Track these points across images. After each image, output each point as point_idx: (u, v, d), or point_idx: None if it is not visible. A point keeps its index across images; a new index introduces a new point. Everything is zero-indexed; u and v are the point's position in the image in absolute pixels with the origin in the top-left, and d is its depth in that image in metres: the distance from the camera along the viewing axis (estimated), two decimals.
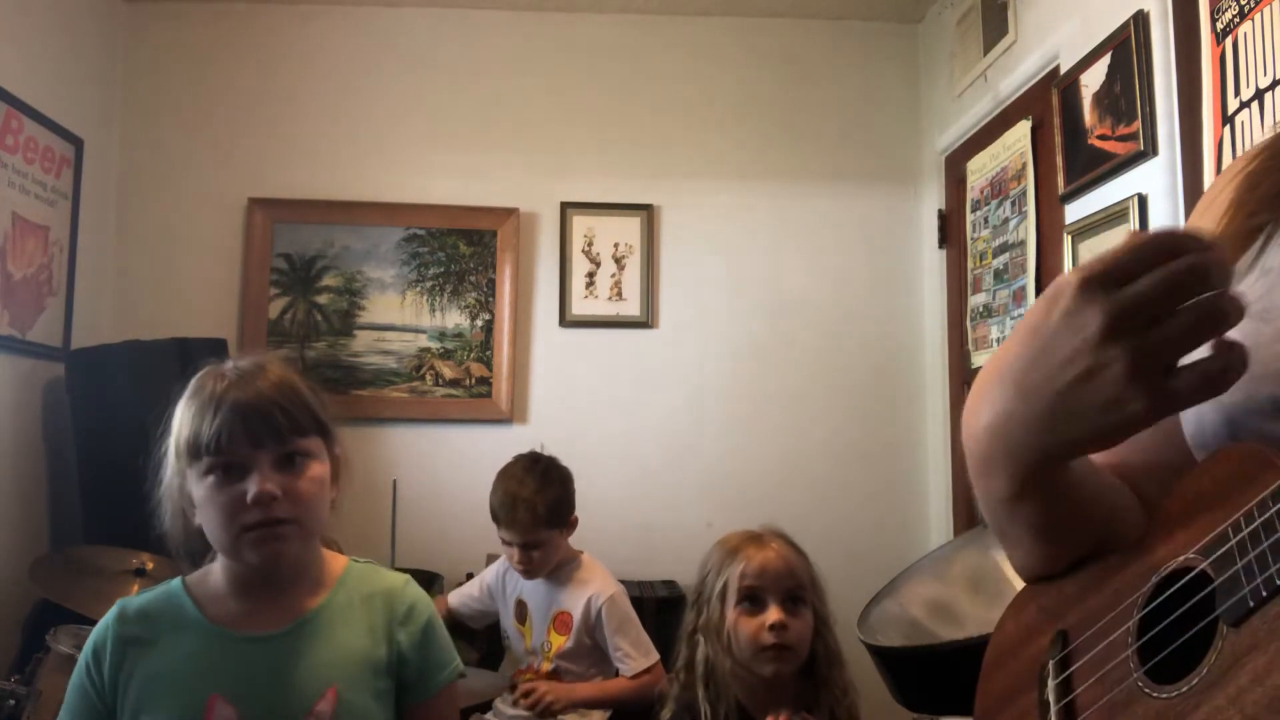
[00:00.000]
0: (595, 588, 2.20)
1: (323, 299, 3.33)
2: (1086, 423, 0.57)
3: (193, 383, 1.17)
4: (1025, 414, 0.61)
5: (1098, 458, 0.73)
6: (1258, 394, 0.57)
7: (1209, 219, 0.68)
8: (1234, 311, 0.52)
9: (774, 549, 1.55)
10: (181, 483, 1.13)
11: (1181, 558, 0.59)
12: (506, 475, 2.23)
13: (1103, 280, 0.54)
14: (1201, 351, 0.54)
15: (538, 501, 2.15)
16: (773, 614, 1.50)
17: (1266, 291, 0.59)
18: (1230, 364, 0.53)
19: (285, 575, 1.17)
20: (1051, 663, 0.69)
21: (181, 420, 1.13)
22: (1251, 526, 0.52)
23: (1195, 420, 0.63)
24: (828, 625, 1.57)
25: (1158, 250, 0.53)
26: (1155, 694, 0.58)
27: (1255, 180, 0.65)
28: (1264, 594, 0.50)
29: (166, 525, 1.17)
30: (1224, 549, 0.54)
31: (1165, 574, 0.60)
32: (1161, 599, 0.60)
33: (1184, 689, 0.55)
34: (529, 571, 2.21)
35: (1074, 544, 0.71)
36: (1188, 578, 0.58)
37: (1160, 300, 0.53)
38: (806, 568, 1.57)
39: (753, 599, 1.52)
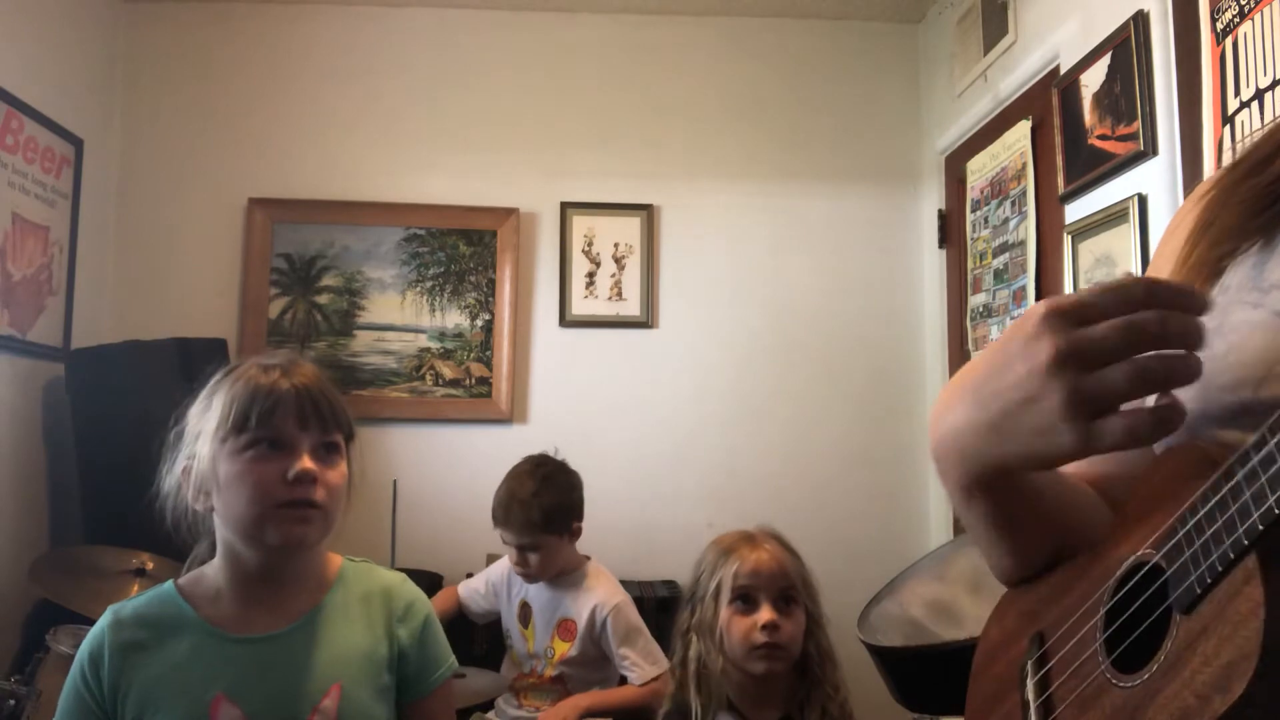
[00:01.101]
0: (601, 596, 2.18)
1: (323, 299, 3.33)
2: (1020, 444, 0.61)
3: (229, 372, 1.18)
4: (976, 423, 0.65)
5: (1075, 469, 0.76)
6: (1213, 404, 0.60)
7: (1172, 247, 0.71)
8: (1186, 372, 0.55)
9: (767, 549, 1.56)
10: (211, 461, 1.13)
11: (1139, 552, 0.62)
12: (511, 475, 2.22)
13: (1066, 314, 0.57)
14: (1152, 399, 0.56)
15: (533, 504, 2.13)
16: (765, 613, 1.51)
17: (1221, 309, 0.63)
18: (1162, 422, 0.55)
19: (287, 573, 1.17)
20: (1029, 663, 0.72)
21: (223, 399, 1.14)
22: (1195, 518, 0.56)
23: None
24: (819, 624, 1.58)
25: (1128, 299, 0.56)
26: (1121, 684, 0.61)
27: (1213, 213, 0.68)
28: (1209, 580, 0.54)
29: (184, 508, 1.18)
30: (1173, 541, 0.58)
31: (1125, 569, 0.63)
32: (1124, 593, 0.63)
33: (1145, 677, 0.58)
34: (528, 575, 2.20)
35: (1033, 546, 0.75)
36: (1144, 571, 0.61)
37: (1114, 347, 0.55)
38: (799, 568, 1.58)
39: (745, 598, 1.53)
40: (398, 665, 1.20)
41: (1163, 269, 0.72)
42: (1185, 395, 0.61)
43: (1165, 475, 0.62)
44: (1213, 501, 0.54)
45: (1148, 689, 0.57)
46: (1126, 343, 0.55)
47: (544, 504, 2.14)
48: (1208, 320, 0.62)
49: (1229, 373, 0.59)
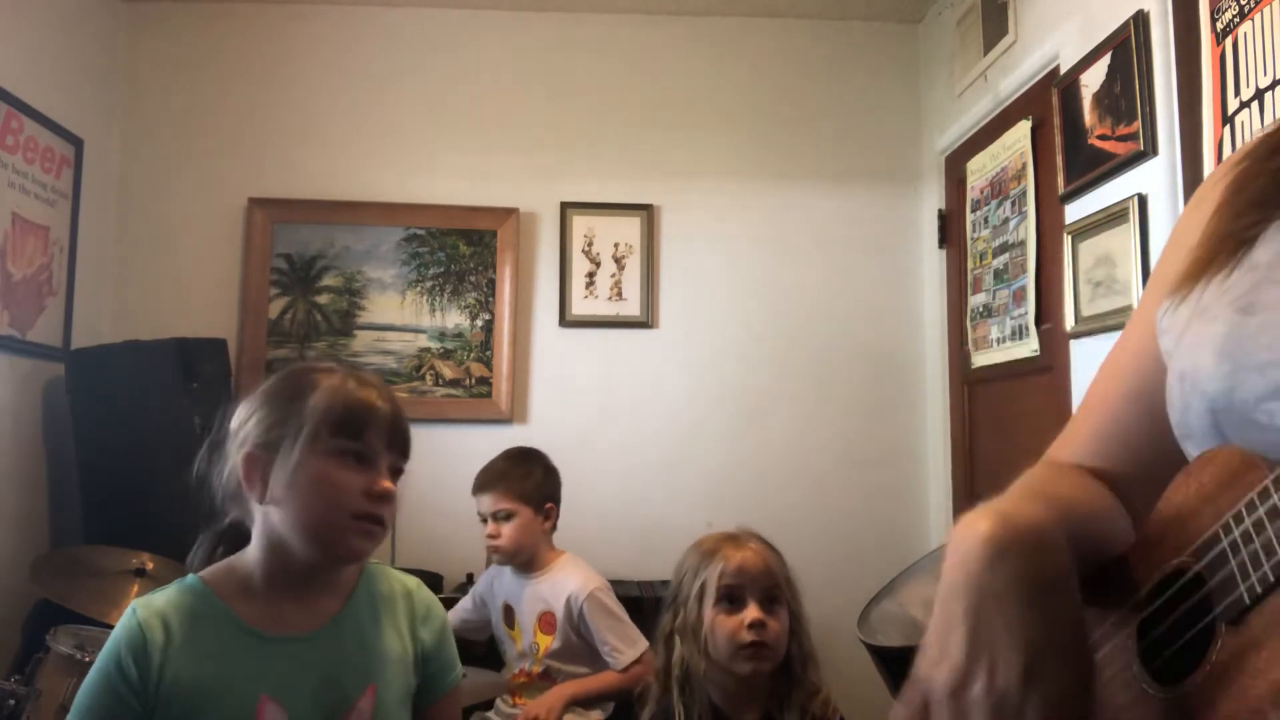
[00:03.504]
0: (575, 585, 2.20)
1: (323, 299, 3.33)
2: None
3: (301, 376, 1.19)
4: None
5: (1094, 463, 0.74)
6: (1241, 385, 0.58)
7: (1198, 218, 0.69)
8: None
9: (751, 548, 1.56)
10: (292, 458, 1.12)
11: (1175, 560, 0.60)
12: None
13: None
14: None
15: (512, 472, 2.25)
16: (751, 612, 1.50)
17: (1251, 287, 0.61)
18: None
19: (328, 576, 1.18)
20: None
21: (320, 401, 1.15)
22: (1241, 527, 0.53)
23: (1180, 410, 0.64)
24: (802, 625, 1.57)
25: None
26: (1158, 694, 0.58)
27: (1241, 184, 0.66)
28: (1259, 591, 0.51)
29: (230, 497, 1.17)
30: (1216, 550, 0.55)
31: (1161, 577, 0.61)
32: (1160, 602, 0.60)
33: (1187, 688, 0.56)
34: (500, 550, 2.23)
35: None
36: (1183, 580, 0.59)
37: None
38: (782, 568, 1.58)
39: (731, 598, 1.52)
40: (422, 667, 1.22)
41: (1185, 241, 0.69)
42: (1215, 374, 0.59)
43: (1203, 481, 0.60)
44: (1261, 509, 0.51)
45: (1190, 700, 0.55)
46: None
47: (522, 472, 2.26)
48: (1238, 299, 0.61)
49: (1261, 353, 0.57)
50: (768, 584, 1.53)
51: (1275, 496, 0.50)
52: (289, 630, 1.14)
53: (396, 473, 1.20)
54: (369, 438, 1.15)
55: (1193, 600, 0.57)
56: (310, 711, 1.11)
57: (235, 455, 1.16)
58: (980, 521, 0.61)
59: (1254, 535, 0.52)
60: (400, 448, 1.20)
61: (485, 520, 2.25)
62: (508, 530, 2.21)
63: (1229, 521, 0.54)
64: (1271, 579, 0.50)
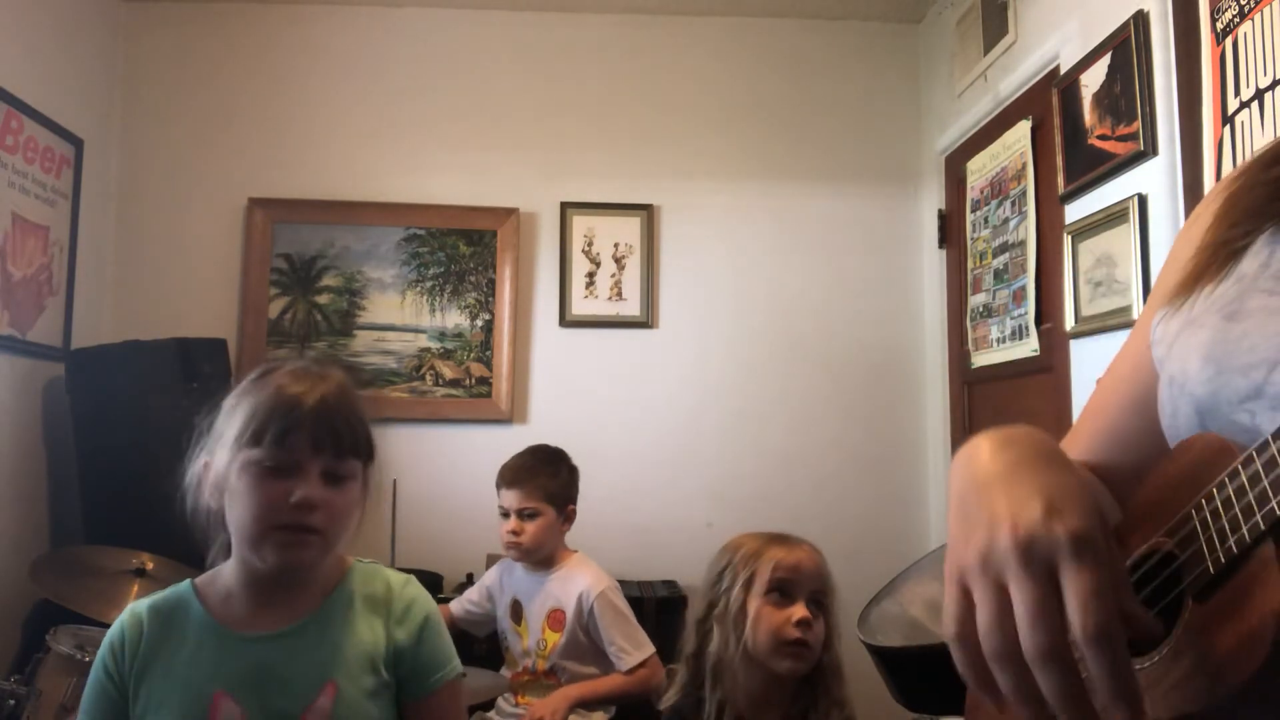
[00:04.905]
0: (587, 583, 2.21)
1: (323, 299, 3.33)
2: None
3: (259, 374, 1.18)
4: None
5: (1082, 457, 0.77)
6: (1226, 387, 0.61)
7: (1194, 234, 0.73)
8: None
9: (806, 549, 1.56)
10: (227, 466, 1.14)
11: (1151, 540, 0.63)
12: (521, 451, 2.35)
13: (1033, 551, 0.55)
14: None
15: (540, 470, 2.25)
16: (800, 609, 1.49)
17: (1237, 296, 0.64)
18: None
19: (296, 577, 1.19)
20: None
21: (249, 407, 1.14)
22: (1211, 505, 0.56)
23: (1170, 415, 0.67)
24: (836, 636, 1.56)
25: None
26: None
27: (1237, 197, 0.70)
28: (1224, 564, 0.54)
29: (201, 503, 1.18)
30: (1187, 529, 0.58)
31: (1137, 557, 0.64)
32: (1134, 580, 0.63)
33: (1155, 659, 0.58)
34: (519, 546, 2.23)
35: None
36: (1156, 558, 0.61)
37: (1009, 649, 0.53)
38: (829, 575, 1.57)
39: (783, 591, 1.50)
40: (394, 665, 1.21)
41: (1181, 255, 0.73)
42: (1201, 378, 0.62)
43: (1181, 465, 0.63)
44: (1230, 488, 0.54)
45: (1157, 670, 0.57)
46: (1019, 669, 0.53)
47: (551, 471, 2.27)
48: (1225, 307, 0.64)
49: (1244, 355, 0.60)
50: (817, 587, 1.53)
51: (1242, 475, 0.53)
52: (257, 629, 1.16)
53: (343, 473, 1.15)
54: (291, 443, 1.11)
55: (1162, 577, 0.60)
56: (266, 708, 1.13)
57: (199, 462, 1.19)
58: (979, 437, 0.65)
59: (1222, 513, 0.54)
60: (336, 446, 1.14)
61: (507, 515, 2.24)
62: (531, 529, 2.22)
63: (1200, 501, 0.57)
64: (1235, 552, 0.53)
